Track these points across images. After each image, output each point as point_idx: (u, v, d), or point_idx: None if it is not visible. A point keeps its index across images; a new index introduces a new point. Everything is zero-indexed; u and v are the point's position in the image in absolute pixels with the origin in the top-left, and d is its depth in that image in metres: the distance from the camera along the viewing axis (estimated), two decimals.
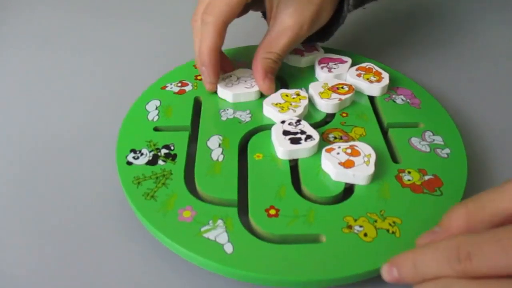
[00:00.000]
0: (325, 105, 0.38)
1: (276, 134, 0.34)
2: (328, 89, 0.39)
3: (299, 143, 0.33)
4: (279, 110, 0.37)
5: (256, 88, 0.39)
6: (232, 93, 0.39)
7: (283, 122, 0.35)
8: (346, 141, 0.35)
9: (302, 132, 0.34)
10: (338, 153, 0.33)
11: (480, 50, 0.52)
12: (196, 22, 0.38)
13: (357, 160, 0.32)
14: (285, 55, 0.39)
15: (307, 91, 0.40)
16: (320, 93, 0.39)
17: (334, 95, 0.39)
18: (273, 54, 0.38)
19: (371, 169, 0.32)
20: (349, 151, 0.33)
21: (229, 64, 0.42)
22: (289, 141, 0.34)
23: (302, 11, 0.38)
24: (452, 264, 0.22)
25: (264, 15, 0.43)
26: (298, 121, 0.35)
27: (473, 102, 0.44)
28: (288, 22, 0.38)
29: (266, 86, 0.39)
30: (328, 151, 0.33)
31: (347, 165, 0.32)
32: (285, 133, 0.34)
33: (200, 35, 0.37)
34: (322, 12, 0.39)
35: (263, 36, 0.39)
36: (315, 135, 0.34)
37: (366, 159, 0.32)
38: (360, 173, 0.32)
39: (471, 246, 0.22)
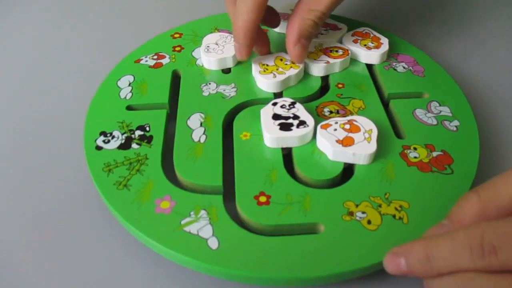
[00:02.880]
0: (310, 66, 0.35)
1: (264, 118, 0.30)
2: (320, 50, 0.36)
3: (290, 129, 0.29)
4: (260, 71, 0.34)
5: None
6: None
7: (274, 104, 0.31)
8: (344, 115, 0.32)
9: (295, 117, 0.30)
10: (335, 130, 0.29)
11: (488, 13, 0.48)
12: None
13: (357, 136, 0.29)
14: (327, 17, 0.33)
15: None
16: (309, 53, 0.35)
17: (323, 57, 0.35)
18: (315, 13, 0.32)
19: (373, 146, 0.28)
20: (347, 126, 0.29)
21: (266, 44, 0.36)
22: (278, 127, 0.29)
23: None
24: (474, 257, 0.20)
25: None
26: (293, 103, 0.31)
27: (481, 68, 0.40)
28: None
29: (296, 53, 0.32)
30: (324, 127, 0.29)
31: (346, 143, 0.28)
32: (275, 117, 0.30)
33: (236, 7, 0.31)
34: None
35: None
36: (310, 120, 0.30)
37: (367, 135, 0.29)
38: (361, 151, 0.28)
39: (495, 237, 0.20)
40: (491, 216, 0.21)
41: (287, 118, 0.30)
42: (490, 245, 0.19)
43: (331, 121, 0.30)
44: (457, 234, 0.20)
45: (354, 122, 0.30)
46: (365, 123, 0.30)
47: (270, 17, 0.36)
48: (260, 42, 0.35)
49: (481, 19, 0.47)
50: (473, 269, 0.20)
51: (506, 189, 0.21)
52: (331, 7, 0.32)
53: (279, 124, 0.29)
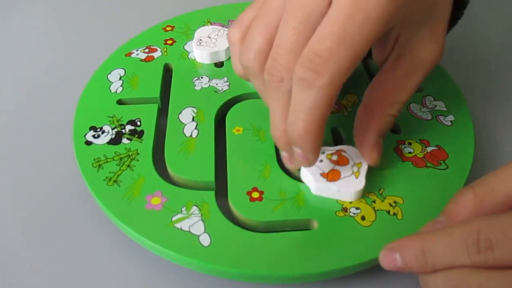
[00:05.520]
0: None
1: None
2: None
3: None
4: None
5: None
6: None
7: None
8: (338, 110, 0.31)
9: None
10: (321, 161, 0.27)
11: (486, 11, 0.48)
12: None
13: (344, 170, 0.26)
14: None
15: None
16: None
17: None
18: (398, 107, 0.26)
19: (360, 183, 0.26)
20: (334, 158, 0.27)
21: None
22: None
23: (437, 31, 0.26)
24: (470, 253, 0.19)
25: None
26: None
27: (477, 62, 0.40)
28: (423, 54, 0.25)
29: (374, 158, 0.26)
30: None
31: (331, 177, 0.26)
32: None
33: (292, 103, 0.23)
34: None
35: (376, 79, 0.26)
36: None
37: (355, 169, 0.26)
38: (347, 188, 0.25)
39: (492, 233, 0.19)
40: (486, 212, 0.21)
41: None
42: (486, 241, 0.19)
43: None
44: (453, 230, 0.20)
45: (343, 153, 0.27)
46: (355, 154, 0.27)
47: None
48: None
49: (478, 15, 0.47)
50: (469, 265, 0.19)
51: (501, 185, 0.21)
52: (411, 95, 0.26)
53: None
